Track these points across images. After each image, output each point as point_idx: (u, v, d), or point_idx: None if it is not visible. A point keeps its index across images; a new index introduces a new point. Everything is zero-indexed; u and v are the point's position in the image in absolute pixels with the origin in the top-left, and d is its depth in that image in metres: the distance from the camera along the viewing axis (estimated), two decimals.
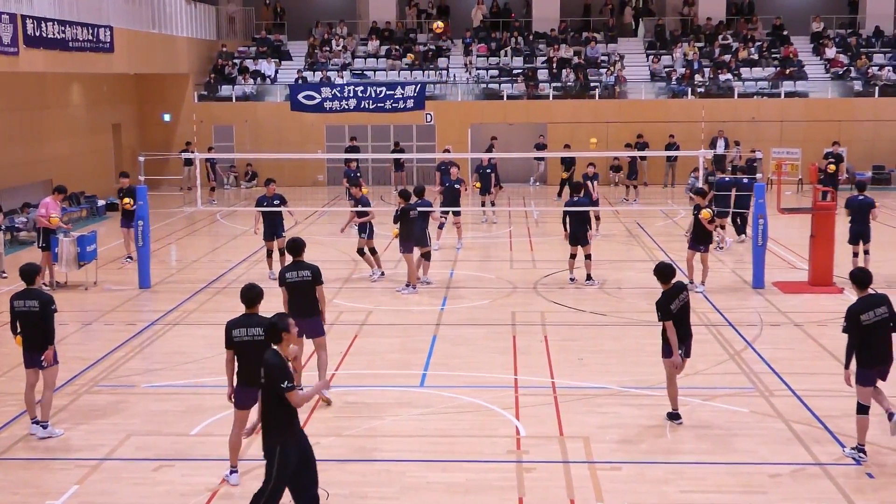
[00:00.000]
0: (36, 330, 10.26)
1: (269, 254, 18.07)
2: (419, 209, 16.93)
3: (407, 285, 17.12)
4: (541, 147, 30.96)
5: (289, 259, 11.67)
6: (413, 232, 16.86)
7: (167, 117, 33.42)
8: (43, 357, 10.31)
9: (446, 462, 9.74)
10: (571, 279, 17.69)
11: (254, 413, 8.72)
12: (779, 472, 9.40)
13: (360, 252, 18.18)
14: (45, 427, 10.48)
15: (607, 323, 15.17)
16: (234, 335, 9.08)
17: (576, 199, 17.73)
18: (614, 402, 11.44)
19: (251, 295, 9.20)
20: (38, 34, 21.58)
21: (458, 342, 14.07)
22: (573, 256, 17.64)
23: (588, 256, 17.56)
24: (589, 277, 17.61)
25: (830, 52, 35.32)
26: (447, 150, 26.55)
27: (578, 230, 17.35)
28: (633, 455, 9.85)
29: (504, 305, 16.25)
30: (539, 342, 13.96)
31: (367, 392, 11.86)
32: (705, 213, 16.37)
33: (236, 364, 9.14)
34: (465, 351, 13.62)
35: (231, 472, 9.28)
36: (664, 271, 10.67)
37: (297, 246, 11.54)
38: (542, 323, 15.08)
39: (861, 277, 9.57)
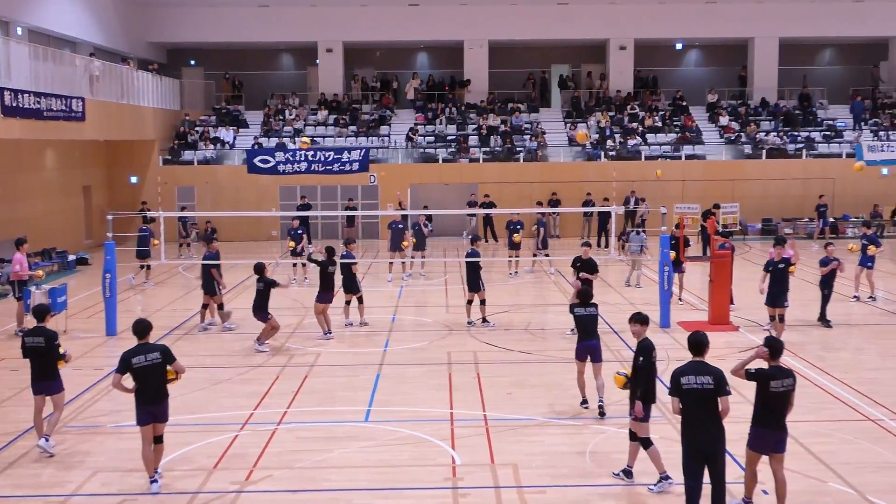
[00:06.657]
0: (43, 361, 10.66)
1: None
2: (342, 261, 17.30)
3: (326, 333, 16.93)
4: (472, 204, 31.21)
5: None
6: (330, 284, 16.89)
7: (134, 179, 33.01)
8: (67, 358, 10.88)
9: (389, 490, 9.63)
10: (469, 323, 17.80)
11: None
12: (680, 490, 9.44)
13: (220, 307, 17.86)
14: (46, 440, 10.67)
15: (533, 361, 15.21)
16: (133, 362, 9.35)
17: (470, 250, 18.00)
18: (540, 432, 11.44)
19: (141, 327, 9.60)
20: (15, 104, 21.21)
21: (399, 380, 13.98)
22: (469, 302, 17.90)
23: (483, 302, 17.77)
24: (485, 320, 17.75)
25: (724, 120, 36.33)
26: (400, 204, 26.68)
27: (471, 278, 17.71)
28: (556, 479, 9.84)
29: (441, 346, 16.22)
30: (472, 379, 13.93)
31: (316, 427, 11.71)
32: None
33: (135, 387, 9.43)
34: (406, 388, 13.53)
35: (152, 482, 9.43)
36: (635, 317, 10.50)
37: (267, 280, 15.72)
38: (475, 362, 15.07)
39: (776, 346, 8.76)
